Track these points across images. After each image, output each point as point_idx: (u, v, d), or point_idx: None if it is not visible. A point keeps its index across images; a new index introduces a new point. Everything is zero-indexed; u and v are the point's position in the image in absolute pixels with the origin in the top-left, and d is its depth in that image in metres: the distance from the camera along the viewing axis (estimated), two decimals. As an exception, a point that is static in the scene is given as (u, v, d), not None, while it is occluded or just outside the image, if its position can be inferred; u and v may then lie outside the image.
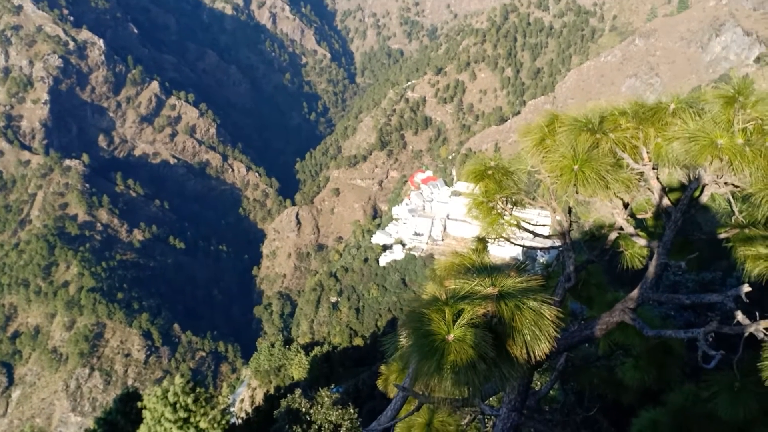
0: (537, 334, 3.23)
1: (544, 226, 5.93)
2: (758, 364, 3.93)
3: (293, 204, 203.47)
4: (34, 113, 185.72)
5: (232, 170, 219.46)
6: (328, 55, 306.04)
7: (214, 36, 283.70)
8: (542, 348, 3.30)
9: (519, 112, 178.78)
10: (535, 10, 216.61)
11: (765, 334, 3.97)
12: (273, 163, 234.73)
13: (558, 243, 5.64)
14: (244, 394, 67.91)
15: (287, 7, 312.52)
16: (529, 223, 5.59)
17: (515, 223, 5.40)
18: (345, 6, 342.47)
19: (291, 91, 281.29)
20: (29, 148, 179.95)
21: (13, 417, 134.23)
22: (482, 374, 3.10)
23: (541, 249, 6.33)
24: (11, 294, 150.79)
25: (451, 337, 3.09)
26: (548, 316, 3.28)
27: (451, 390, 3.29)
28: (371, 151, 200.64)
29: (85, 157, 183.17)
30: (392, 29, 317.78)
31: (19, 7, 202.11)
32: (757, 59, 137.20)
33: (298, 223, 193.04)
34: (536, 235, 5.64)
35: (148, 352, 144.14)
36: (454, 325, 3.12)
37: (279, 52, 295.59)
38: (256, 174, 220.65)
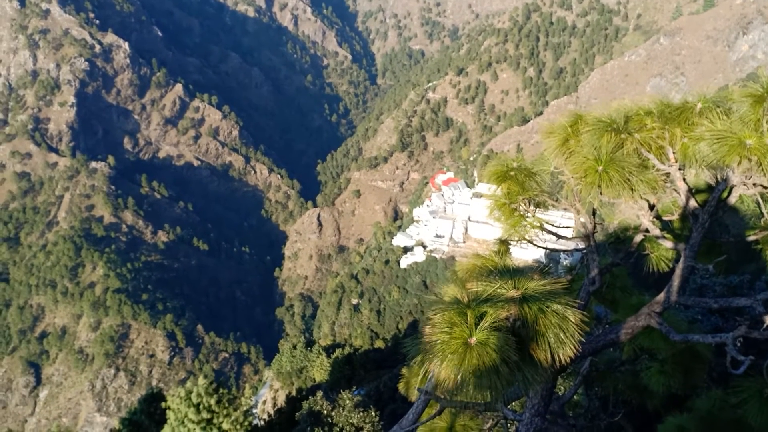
0: (561, 337, 3.18)
1: (567, 228, 5.85)
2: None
3: (315, 206, 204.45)
4: (61, 116, 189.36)
5: (255, 172, 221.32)
6: (350, 57, 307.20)
7: (237, 38, 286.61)
8: (566, 352, 3.25)
9: (542, 113, 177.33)
10: (558, 9, 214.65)
11: (797, 340, 3.86)
12: (295, 164, 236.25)
13: (582, 245, 5.56)
14: (267, 396, 68.36)
15: (309, 9, 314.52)
16: (553, 225, 5.53)
17: (538, 224, 5.34)
18: (366, 7, 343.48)
19: (312, 93, 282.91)
20: (56, 151, 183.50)
21: (41, 416, 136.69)
22: (505, 378, 3.06)
23: (564, 251, 6.25)
24: (39, 295, 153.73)
25: (473, 340, 3.05)
26: (572, 320, 3.23)
27: (472, 394, 3.26)
28: (392, 152, 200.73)
29: (110, 159, 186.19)
30: (413, 30, 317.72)
31: (47, 11, 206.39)
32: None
33: (320, 224, 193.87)
34: (560, 237, 5.57)
35: (172, 353, 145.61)
36: (476, 328, 3.09)
37: (300, 53, 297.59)
38: (278, 176, 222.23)
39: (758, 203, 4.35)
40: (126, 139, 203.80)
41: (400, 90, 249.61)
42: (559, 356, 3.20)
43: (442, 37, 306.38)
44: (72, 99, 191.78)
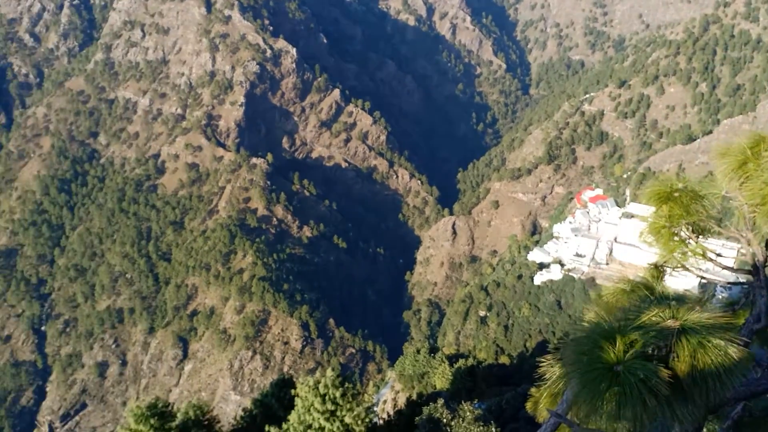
0: (720, 376, 2.87)
1: (726, 257, 5.31)
2: None
3: (451, 213, 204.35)
4: (231, 114, 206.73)
5: (397, 176, 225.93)
6: (504, 66, 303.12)
7: (395, 46, 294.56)
8: (724, 392, 2.95)
9: (711, 132, 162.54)
10: (742, 21, 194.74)
11: None
12: (436, 171, 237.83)
13: (746, 279, 5.02)
14: (387, 396, 69.30)
15: (468, 18, 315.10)
16: (715, 254, 5.05)
17: (701, 252, 4.90)
18: (527, 16, 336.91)
19: (462, 101, 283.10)
20: (223, 146, 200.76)
21: (183, 388, 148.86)
22: (651, 411, 2.83)
23: (724, 284, 5.69)
24: (194, 276, 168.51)
25: (620, 367, 2.85)
26: (735, 359, 2.92)
27: (611, 423, 3.07)
28: (537, 164, 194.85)
29: (269, 157, 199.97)
30: (575, 40, 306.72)
31: (228, 17, 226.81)
32: None
33: (454, 232, 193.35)
34: (725, 267, 5.06)
35: (305, 343, 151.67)
36: (624, 355, 2.88)
37: (455, 62, 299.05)
38: (419, 181, 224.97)
39: None
40: (285, 139, 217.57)
41: (553, 101, 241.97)
42: (715, 396, 2.88)
43: (606, 48, 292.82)
44: (242, 99, 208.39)
